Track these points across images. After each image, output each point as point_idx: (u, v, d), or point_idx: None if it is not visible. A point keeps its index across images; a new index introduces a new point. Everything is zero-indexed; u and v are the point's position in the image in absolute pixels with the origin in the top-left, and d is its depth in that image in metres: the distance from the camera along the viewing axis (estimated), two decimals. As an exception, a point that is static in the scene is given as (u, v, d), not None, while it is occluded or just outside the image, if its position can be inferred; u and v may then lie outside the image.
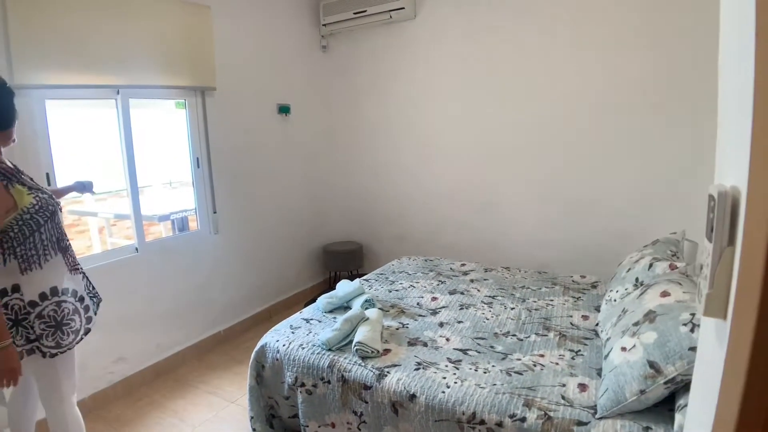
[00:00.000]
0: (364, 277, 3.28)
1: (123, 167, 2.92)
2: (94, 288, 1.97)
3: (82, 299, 1.83)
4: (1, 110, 1.64)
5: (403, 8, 3.87)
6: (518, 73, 3.62)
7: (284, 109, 4.16)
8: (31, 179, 1.82)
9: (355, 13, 4.07)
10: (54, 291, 1.70)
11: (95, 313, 1.91)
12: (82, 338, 1.80)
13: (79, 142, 4.04)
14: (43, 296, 1.66)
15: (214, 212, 3.59)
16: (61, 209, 1.86)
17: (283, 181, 4.25)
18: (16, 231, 1.62)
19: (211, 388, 2.99)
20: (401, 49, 4.15)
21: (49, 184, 2.46)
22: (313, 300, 3.24)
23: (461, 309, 2.61)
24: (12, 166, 1.72)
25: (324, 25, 4.31)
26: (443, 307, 2.66)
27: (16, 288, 1.62)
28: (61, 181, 2.46)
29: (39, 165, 2.40)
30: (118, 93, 2.79)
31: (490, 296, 2.81)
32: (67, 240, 1.85)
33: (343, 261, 4.37)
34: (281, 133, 4.19)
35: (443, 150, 4.10)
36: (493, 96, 3.76)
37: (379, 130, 4.44)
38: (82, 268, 1.90)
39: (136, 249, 3.01)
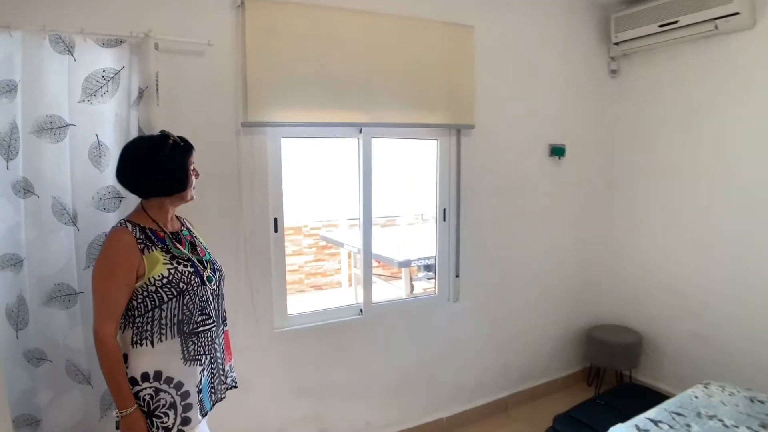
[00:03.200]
0: (648, 414, 1.99)
1: (359, 211, 2.56)
2: (226, 375, 1.69)
3: (186, 394, 1.49)
4: (174, 170, 1.51)
5: (738, 14, 2.46)
6: None
7: (558, 151, 3.20)
8: (195, 244, 1.63)
9: (661, 26, 2.83)
10: (158, 375, 1.46)
11: (211, 406, 1.63)
12: None
13: (312, 173, 4.00)
14: (144, 377, 1.45)
15: (457, 276, 2.91)
16: (208, 288, 1.56)
17: (547, 243, 3.26)
18: (139, 300, 1.45)
19: None
20: (725, 72, 2.75)
21: (276, 231, 2.24)
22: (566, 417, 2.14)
23: None
24: (171, 231, 1.58)
25: (616, 44, 3.20)
26: None
27: (125, 357, 1.45)
28: (291, 220, 2.20)
29: (266, 209, 2.21)
30: (360, 131, 2.44)
31: None
32: (201, 326, 1.53)
33: (612, 355, 3.15)
34: (550, 182, 3.23)
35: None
36: None
37: (680, 180, 3.05)
38: (214, 356, 1.61)
39: (361, 311, 2.58)
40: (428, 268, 4.29)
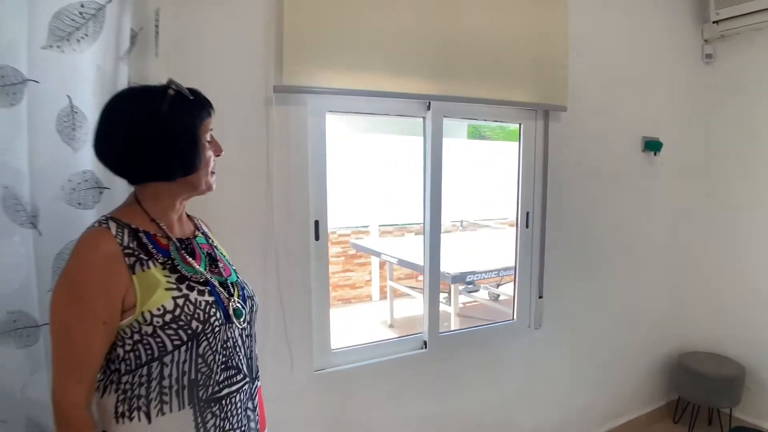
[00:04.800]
0: None
1: (424, 214, 1.96)
2: None
3: None
4: (178, 139, 0.94)
5: None
6: None
7: (653, 146, 2.60)
8: (215, 258, 1.06)
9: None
10: None
11: None
12: None
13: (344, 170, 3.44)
14: None
15: (540, 297, 2.29)
16: (236, 326, 0.99)
17: (636, 255, 2.68)
18: (128, 348, 0.89)
19: None
20: None
21: (317, 239, 1.66)
22: None
23: None
24: (178, 237, 1.02)
25: (715, 22, 2.58)
26: None
27: None
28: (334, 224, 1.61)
29: (305, 209, 1.63)
30: (428, 107, 1.85)
31: None
32: (226, 386, 0.96)
33: (708, 390, 2.61)
34: (642, 183, 2.64)
35: None
36: None
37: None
38: (246, 429, 1.01)
39: (425, 344, 1.98)
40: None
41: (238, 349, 0.99)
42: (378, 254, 4.80)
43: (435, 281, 1.98)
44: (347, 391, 1.79)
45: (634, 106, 2.54)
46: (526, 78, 2.03)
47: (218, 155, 1.03)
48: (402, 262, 4.44)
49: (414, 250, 4.78)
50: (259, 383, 1.09)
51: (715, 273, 2.89)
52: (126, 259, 0.89)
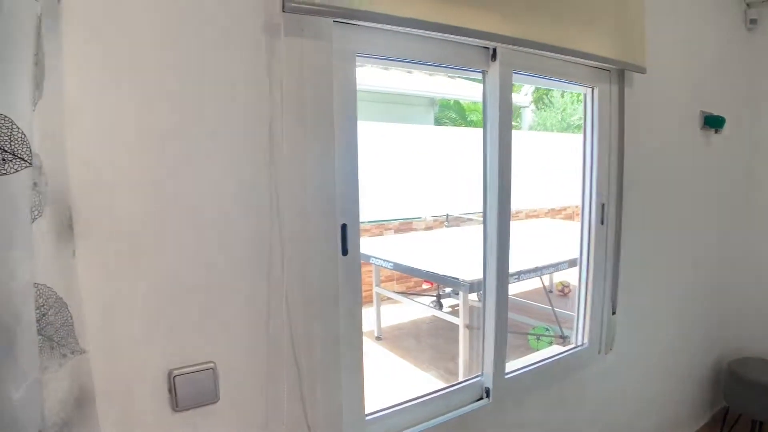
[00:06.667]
0: None
1: (484, 205, 1.39)
2: None
3: None
4: None
5: None
6: None
7: (714, 122, 2.17)
8: None
9: None
10: None
11: None
12: None
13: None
14: None
15: (613, 312, 1.77)
16: None
17: (694, 254, 2.25)
18: None
19: None
20: None
21: (345, 253, 1.07)
22: None
23: None
24: None
25: None
26: None
27: None
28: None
29: (331, 206, 1.03)
30: (493, 56, 1.28)
31: None
32: None
33: (765, 403, 2.19)
34: (699, 166, 2.21)
35: None
36: None
37: None
38: None
39: (487, 392, 1.41)
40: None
41: None
42: (367, 258, 4.16)
43: (503, 301, 1.41)
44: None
45: (693, 78, 2.08)
46: (606, 26, 1.50)
47: None
48: (399, 267, 3.87)
49: (405, 251, 4.27)
50: None
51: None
52: None
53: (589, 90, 1.63)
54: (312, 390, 1.03)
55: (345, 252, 1.08)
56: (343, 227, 1.07)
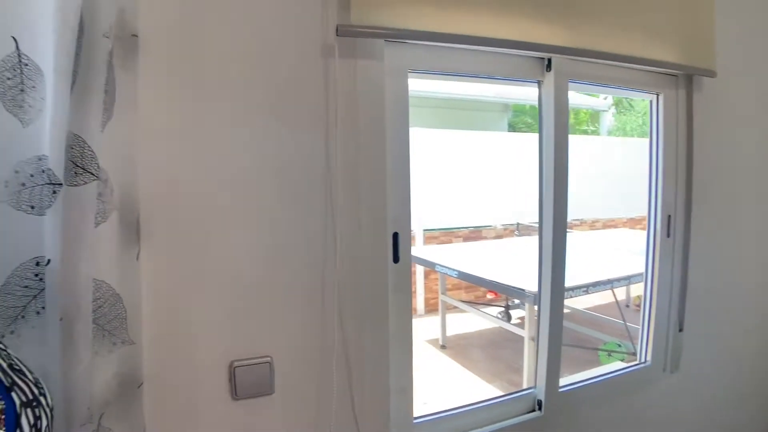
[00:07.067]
0: None
1: (540, 215, 1.38)
2: None
3: None
4: None
5: None
6: None
7: None
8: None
9: None
10: None
11: None
12: None
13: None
14: None
15: (680, 330, 1.68)
16: None
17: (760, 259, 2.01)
18: None
19: None
20: None
21: (396, 260, 1.11)
22: None
23: None
24: None
25: None
26: None
27: None
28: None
29: (381, 214, 1.08)
30: (548, 66, 1.28)
31: None
32: None
33: None
34: None
35: None
36: None
37: None
38: None
39: (539, 404, 1.40)
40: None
41: None
42: (432, 265, 4.21)
43: (557, 313, 1.40)
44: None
45: (764, 79, 1.88)
46: (670, 30, 1.44)
47: None
48: (464, 276, 3.84)
49: (471, 260, 4.23)
50: None
51: None
52: None
53: (654, 96, 1.57)
54: (361, 391, 1.09)
55: (396, 259, 1.12)
56: (395, 236, 1.12)
